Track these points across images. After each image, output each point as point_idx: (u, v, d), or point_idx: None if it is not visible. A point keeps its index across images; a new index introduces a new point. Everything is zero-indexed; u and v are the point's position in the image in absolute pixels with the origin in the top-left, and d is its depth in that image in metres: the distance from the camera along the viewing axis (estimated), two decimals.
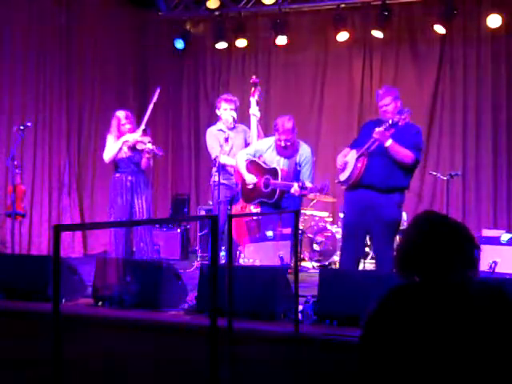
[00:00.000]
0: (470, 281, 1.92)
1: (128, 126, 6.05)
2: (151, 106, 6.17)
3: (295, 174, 5.76)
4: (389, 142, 4.81)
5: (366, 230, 5.07)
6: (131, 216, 5.93)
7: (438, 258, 1.91)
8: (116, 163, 6.06)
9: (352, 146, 5.18)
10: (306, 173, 5.75)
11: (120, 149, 5.98)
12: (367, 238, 5.67)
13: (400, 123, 4.82)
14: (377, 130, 4.82)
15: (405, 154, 4.86)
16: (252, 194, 5.89)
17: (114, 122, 6.08)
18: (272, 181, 5.70)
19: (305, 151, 5.83)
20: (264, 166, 5.83)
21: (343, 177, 5.06)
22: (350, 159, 5.03)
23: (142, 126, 6.04)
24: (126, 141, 5.98)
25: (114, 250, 5.89)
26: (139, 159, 5.99)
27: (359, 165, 4.91)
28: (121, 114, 6.10)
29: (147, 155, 5.97)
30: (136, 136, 5.96)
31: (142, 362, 3.90)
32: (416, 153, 4.91)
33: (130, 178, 5.98)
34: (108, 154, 6.05)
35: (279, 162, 5.78)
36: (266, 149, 5.88)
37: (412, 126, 5.03)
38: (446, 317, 1.80)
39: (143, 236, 5.93)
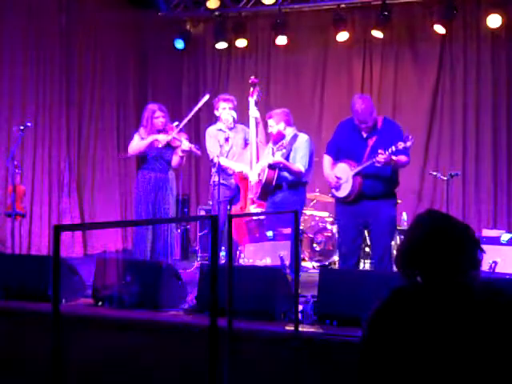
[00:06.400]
0: (473, 282, 1.92)
1: (161, 120, 5.74)
2: (195, 110, 5.97)
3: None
4: (392, 162, 4.84)
5: (364, 232, 5.09)
6: (155, 217, 5.69)
7: (440, 258, 1.90)
8: (144, 159, 5.77)
9: (329, 150, 5.18)
10: (297, 156, 5.64)
11: (147, 146, 5.67)
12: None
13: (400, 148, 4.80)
14: (380, 156, 4.75)
15: (404, 161, 4.96)
16: (268, 189, 5.76)
17: (146, 115, 5.79)
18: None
19: (300, 140, 5.73)
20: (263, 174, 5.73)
21: (341, 194, 5.04)
22: (342, 176, 5.00)
23: (180, 126, 5.74)
24: (156, 140, 5.66)
25: (137, 249, 5.76)
26: (170, 157, 5.74)
27: (358, 182, 4.92)
28: (154, 106, 5.84)
29: (181, 153, 5.68)
30: (168, 138, 5.65)
31: (142, 362, 3.90)
32: (408, 156, 4.98)
33: (159, 176, 5.70)
34: (133, 148, 5.77)
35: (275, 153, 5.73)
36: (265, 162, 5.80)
37: (394, 125, 5.03)
38: (449, 318, 1.80)
39: (166, 237, 5.76)
